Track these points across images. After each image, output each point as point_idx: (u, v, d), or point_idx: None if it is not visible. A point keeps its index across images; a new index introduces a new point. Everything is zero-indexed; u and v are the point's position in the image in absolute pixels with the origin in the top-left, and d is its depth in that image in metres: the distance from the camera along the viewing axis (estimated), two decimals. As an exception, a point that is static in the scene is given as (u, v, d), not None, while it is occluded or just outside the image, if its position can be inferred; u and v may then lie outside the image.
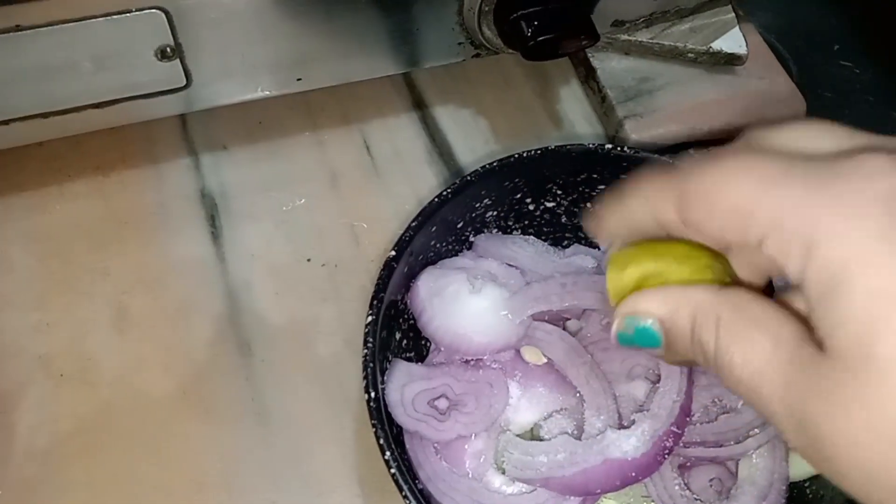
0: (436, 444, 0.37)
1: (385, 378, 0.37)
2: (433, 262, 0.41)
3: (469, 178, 0.40)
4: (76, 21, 0.38)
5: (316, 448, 0.42)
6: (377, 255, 0.47)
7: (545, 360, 0.39)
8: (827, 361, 0.21)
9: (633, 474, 0.35)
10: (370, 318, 0.36)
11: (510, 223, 0.44)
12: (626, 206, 0.27)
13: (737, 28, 0.52)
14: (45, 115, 0.42)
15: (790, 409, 0.22)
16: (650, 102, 0.51)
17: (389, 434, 0.34)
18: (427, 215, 0.39)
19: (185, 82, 0.43)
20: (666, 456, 0.35)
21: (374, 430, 0.33)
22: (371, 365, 0.35)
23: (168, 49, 0.40)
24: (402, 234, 0.38)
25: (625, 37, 0.51)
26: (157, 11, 0.39)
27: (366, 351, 0.35)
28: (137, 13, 0.38)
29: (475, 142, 0.52)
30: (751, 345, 0.23)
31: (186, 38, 0.40)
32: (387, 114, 0.53)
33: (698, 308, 0.25)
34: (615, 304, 0.28)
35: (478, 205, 0.41)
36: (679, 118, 0.51)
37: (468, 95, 0.54)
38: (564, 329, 0.40)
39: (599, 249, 0.43)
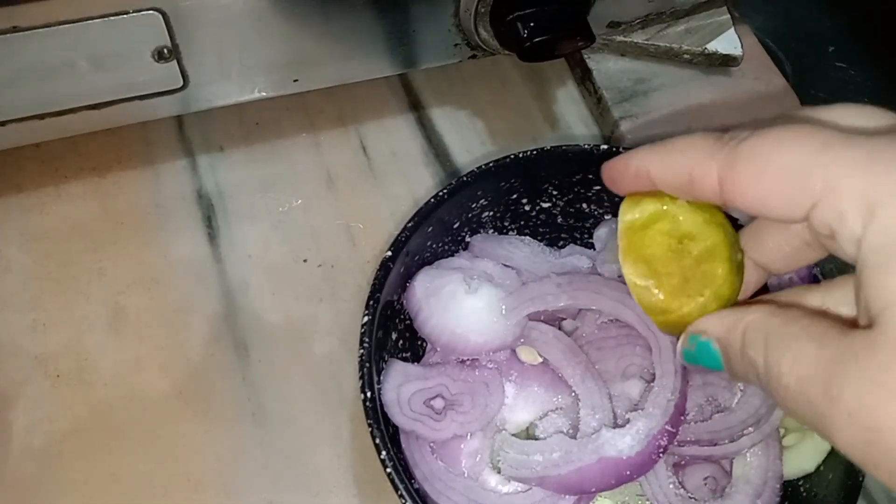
0: (432, 444, 0.37)
1: (381, 378, 0.37)
2: (429, 263, 0.41)
3: (465, 178, 0.40)
4: (73, 22, 0.38)
5: (313, 448, 0.42)
6: (373, 256, 0.47)
7: (541, 360, 0.39)
8: (878, 342, 0.20)
9: (628, 473, 0.35)
10: (366, 319, 0.36)
11: (506, 223, 0.44)
12: (660, 158, 0.26)
13: (732, 29, 0.52)
14: (41, 116, 0.42)
15: (839, 404, 0.20)
16: (646, 103, 0.51)
17: (385, 434, 0.34)
18: (423, 216, 0.39)
19: (181, 83, 0.43)
20: (661, 455, 0.36)
21: (370, 429, 0.33)
22: (367, 365, 0.35)
23: (165, 50, 0.41)
24: (399, 235, 0.38)
25: (621, 38, 0.51)
26: (154, 13, 0.39)
27: (362, 351, 0.35)
28: (134, 14, 0.38)
29: (471, 143, 0.52)
30: (795, 353, 0.22)
31: (183, 40, 0.41)
32: (383, 115, 0.53)
33: (748, 327, 0.24)
34: (623, 243, 0.29)
35: (474, 205, 0.41)
36: (674, 119, 0.51)
37: (464, 97, 0.54)
38: (560, 329, 0.41)
39: (594, 250, 0.43)
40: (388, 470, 0.33)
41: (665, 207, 0.28)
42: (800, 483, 0.38)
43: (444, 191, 0.39)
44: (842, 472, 0.35)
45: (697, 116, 0.51)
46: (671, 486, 0.37)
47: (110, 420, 0.42)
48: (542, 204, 0.43)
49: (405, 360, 0.40)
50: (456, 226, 0.42)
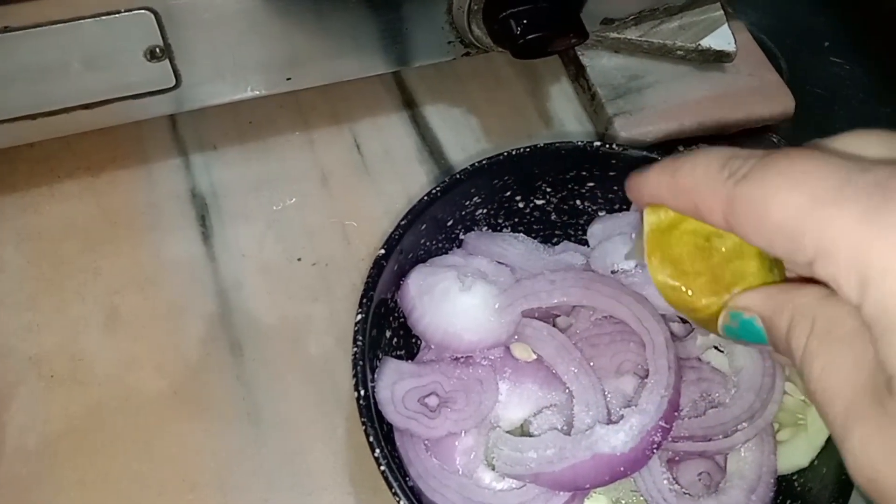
0: (426, 442, 0.37)
1: (375, 376, 0.37)
2: (423, 260, 0.41)
3: (459, 176, 0.40)
4: (65, 22, 0.38)
5: (308, 446, 0.42)
6: (368, 254, 0.47)
7: (535, 357, 0.39)
8: (892, 401, 0.20)
9: (622, 469, 0.35)
10: (360, 317, 0.36)
11: (500, 221, 0.44)
12: (668, 185, 0.26)
13: (726, 25, 0.52)
14: (34, 117, 0.42)
15: (850, 441, 0.21)
16: (639, 100, 0.51)
17: (379, 432, 0.34)
18: (417, 213, 0.39)
19: (174, 82, 0.43)
20: (655, 450, 0.36)
21: (363, 427, 0.33)
22: (361, 363, 0.35)
23: (157, 49, 0.40)
24: (392, 233, 0.38)
25: (614, 35, 0.51)
26: (146, 12, 0.39)
27: (355, 349, 0.35)
28: (126, 14, 0.38)
29: (465, 140, 0.52)
30: (832, 360, 0.22)
31: (175, 39, 0.40)
32: (377, 113, 0.53)
33: (797, 310, 0.24)
34: (649, 244, 0.28)
35: (467, 203, 0.41)
36: (668, 115, 0.51)
37: (458, 94, 0.54)
38: (554, 325, 0.41)
39: (588, 247, 0.43)
40: (382, 468, 0.33)
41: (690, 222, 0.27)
42: (794, 478, 0.38)
43: (438, 188, 0.39)
44: (836, 466, 0.35)
45: (691, 113, 0.51)
46: (665, 481, 0.37)
47: (105, 420, 0.42)
48: (535, 201, 0.43)
49: (399, 357, 0.40)
50: (450, 223, 0.42)
